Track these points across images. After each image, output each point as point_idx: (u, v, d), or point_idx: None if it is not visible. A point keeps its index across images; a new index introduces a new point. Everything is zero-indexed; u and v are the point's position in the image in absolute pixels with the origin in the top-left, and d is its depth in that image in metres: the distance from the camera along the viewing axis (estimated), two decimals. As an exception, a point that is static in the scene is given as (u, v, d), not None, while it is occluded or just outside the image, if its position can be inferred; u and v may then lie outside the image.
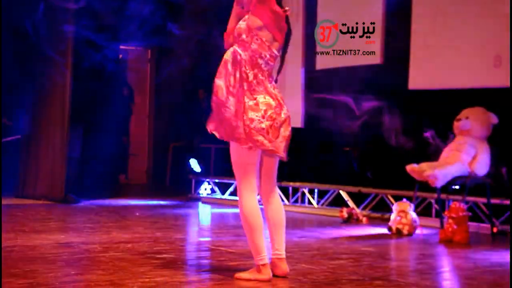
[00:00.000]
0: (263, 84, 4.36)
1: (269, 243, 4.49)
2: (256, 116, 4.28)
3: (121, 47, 11.53)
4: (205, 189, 10.25)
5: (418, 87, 8.00)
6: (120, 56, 11.80)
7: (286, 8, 4.46)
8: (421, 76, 7.97)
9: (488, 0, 7.44)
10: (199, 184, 10.35)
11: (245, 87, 4.32)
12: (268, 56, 4.37)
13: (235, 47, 4.38)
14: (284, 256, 4.49)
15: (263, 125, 4.28)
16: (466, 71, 7.57)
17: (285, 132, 4.39)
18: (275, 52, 4.41)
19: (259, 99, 4.32)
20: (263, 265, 4.37)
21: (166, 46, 10.85)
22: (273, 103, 4.34)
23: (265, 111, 4.31)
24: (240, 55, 4.34)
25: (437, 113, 7.97)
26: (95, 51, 9.32)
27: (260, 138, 4.29)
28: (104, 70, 9.70)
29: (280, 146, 4.37)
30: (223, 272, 4.65)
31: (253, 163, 4.38)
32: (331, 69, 8.63)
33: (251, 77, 4.33)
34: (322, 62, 8.66)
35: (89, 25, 8.54)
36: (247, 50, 4.35)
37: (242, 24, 4.41)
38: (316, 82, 8.84)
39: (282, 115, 4.36)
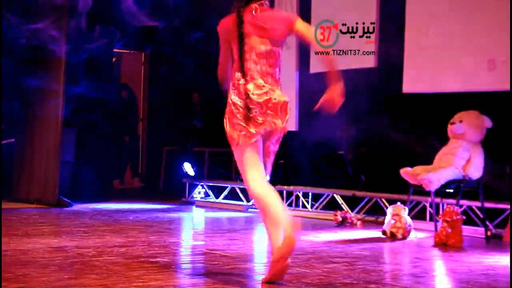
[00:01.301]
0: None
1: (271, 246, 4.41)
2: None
3: (115, 50, 11.51)
4: (199, 192, 10.23)
5: (412, 90, 7.99)
6: (114, 59, 11.77)
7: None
8: (415, 79, 7.96)
9: (482, 3, 7.44)
10: (193, 187, 10.33)
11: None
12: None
13: None
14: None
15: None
16: (460, 75, 7.57)
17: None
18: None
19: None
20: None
21: (160, 50, 10.83)
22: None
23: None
24: None
25: (431, 116, 7.97)
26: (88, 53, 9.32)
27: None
28: (97, 72, 9.68)
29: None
30: (217, 276, 4.64)
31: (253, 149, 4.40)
32: (326, 73, 8.59)
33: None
34: (316, 66, 8.64)
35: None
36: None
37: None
38: (310, 85, 8.82)
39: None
